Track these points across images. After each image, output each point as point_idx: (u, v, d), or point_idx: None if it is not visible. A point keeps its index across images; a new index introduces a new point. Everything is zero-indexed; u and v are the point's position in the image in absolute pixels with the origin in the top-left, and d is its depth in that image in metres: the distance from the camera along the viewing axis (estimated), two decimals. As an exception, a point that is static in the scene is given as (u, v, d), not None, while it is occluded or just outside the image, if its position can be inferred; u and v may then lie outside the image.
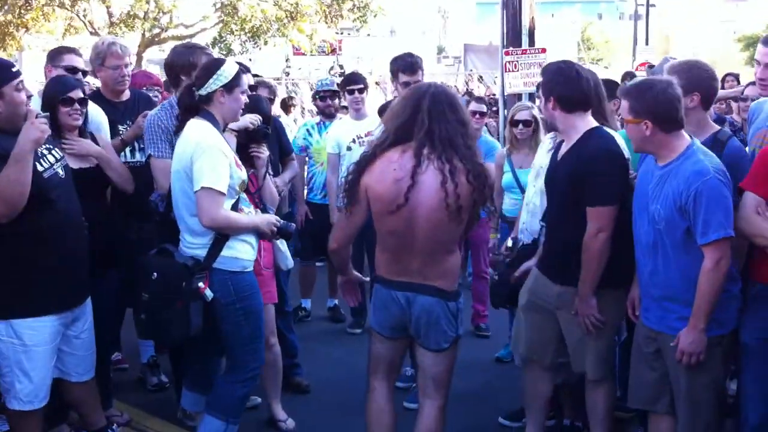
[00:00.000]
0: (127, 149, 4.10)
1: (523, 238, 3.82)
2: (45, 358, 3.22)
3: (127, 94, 4.22)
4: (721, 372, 3.05)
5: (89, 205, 3.45)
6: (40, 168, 3.16)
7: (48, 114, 3.28)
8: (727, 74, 8.31)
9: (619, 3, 53.55)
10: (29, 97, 3.31)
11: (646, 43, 24.39)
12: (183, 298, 3.11)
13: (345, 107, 5.97)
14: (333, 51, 22.10)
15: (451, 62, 29.40)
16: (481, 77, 17.95)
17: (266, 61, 19.34)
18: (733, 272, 2.91)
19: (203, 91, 3.21)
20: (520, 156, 4.72)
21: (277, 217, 3.43)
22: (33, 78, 8.23)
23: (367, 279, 3.39)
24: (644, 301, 3.11)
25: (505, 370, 4.84)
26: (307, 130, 5.83)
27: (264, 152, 3.67)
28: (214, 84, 3.20)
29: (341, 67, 19.23)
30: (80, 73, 4.01)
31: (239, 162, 3.30)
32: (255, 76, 5.28)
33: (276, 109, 7.26)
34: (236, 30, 17.47)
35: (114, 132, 4.04)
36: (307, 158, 5.79)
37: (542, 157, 3.75)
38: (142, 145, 4.02)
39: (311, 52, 19.57)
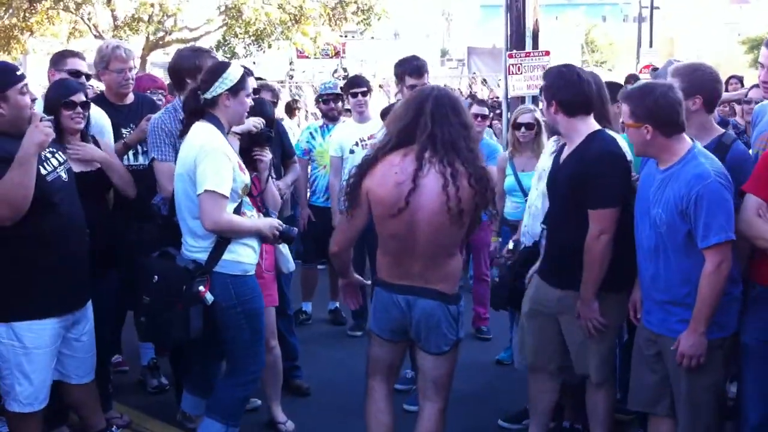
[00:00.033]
0: (130, 152, 4.11)
1: (524, 241, 3.83)
2: (45, 360, 3.23)
3: (131, 98, 4.23)
4: (722, 375, 3.05)
5: (90, 206, 3.46)
6: (43, 171, 3.17)
7: (52, 117, 3.29)
8: (731, 77, 8.31)
9: (623, 5, 53.48)
10: (33, 100, 3.31)
11: (650, 46, 24.33)
12: (183, 302, 3.12)
13: (348, 110, 5.98)
14: (337, 54, 22.13)
15: (454, 65, 29.42)
16: (484, 80, 17.97)
17: (270, 64, 19.41)
18: (734, 275, 2.91)
19: (208, 95, 3.22)
20: (522, 159, 4.72)
21: (280, 221, 3.43)
22: (37, 82, 8.24)
23: (368, 282, 3.39)
24: (646, 304, 3.11)
25: (505, 372, 4.84)
26: (311, 133, 5.84)
27: (267, 155, 3.68)
28: (219, 87, 3.21)
29: (345, 70, 19.25)
30: (83, 76, 4.01)
31: (243, 165, 3.30)
32: (258, 79, 5.30)
33: (279, 112, 7.27)
34: (240, 33, 17.52)
35: (117, 135, 4.05)
36: (310, 161, 5.81)
37: (545, 161, 3.76)
38: (145, 149, 4.03)
39: (315, 55, 19.60)
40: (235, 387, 3.36)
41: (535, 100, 7.23)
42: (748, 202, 2.89)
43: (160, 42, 17.95)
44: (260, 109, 3.75)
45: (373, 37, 24.06)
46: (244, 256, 3.26)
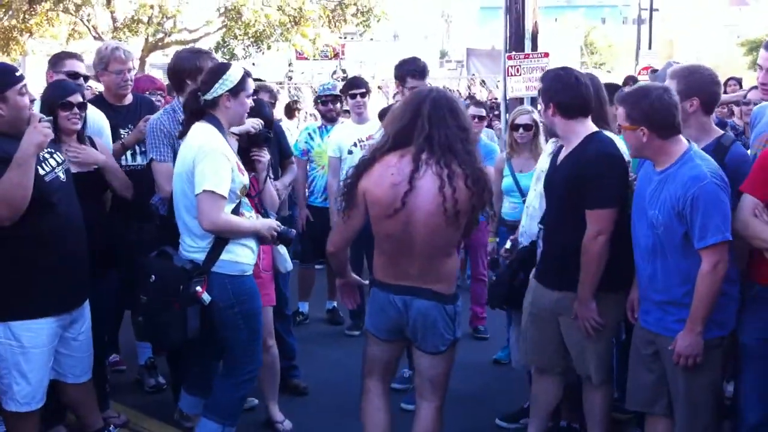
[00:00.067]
0: (128, 152, 4.11)
1: (522, 241, 3.84)
2: (43, 359, 3.23)
3: (129, 99, 4.23)
4: (719, 374, 3.06)
5: (89, 206, 3.47)
6: (41, 172, 3.17)
7: (51, 118, 3.29)
8: (730, 78, 8.33)
9: (622, 7, 53.54)
10: (32, 101, 3.32)
11: (650, 48, 24.35)
12: (180, 301, 3.13)
13: (347, 111, 6.00)
14: (336, 55, 22.17)
15: (453, 66, 29.46)
16: (483, 81, 18.00)
17: (269, 66, 19.44)
18: (732, 274, 2.92)
19: (209, 96, 3.23)
20: (520, 160, 4.73)
21: (278, 223, 3.44)
22: (36, 83, 8.26)
23: (366, 282, 3.40)
24: (643, 304, 3.12)
25: (503, 372, 4.84)
26: (309, 133, 5.85)
27: (265, 156, 3.68)
28: (220, 88, 3.21)
29: (344, 71, 19.29)
30: (81, 78, 4.01)
31: (241, 166, 3.31)
32: (257, 80, 5.31)
33: (277, 113, 7.28)
34: (240, 35, 17.53)
35: (116, 136, 4.06)
36: (308, 162, 5.82)
37: (544, 162, 3.76)
38: (143, 149, 4.04)
39: (314, 56, 19.63)
40: (232, 386, 3.36)
41: (534, 101, 7.25)
42: (744, 202, 2.90)
43: (160, 43, 17.97)
44: (259, 110, 3.76)
45: (372, 39, 24.09)
46: (242, 256, 3.27)
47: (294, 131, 7.20)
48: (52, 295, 3.22)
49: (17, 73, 3.17)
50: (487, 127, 7.28)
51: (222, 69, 3.28)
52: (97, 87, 5.74)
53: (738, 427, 3.08)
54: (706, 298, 2.84)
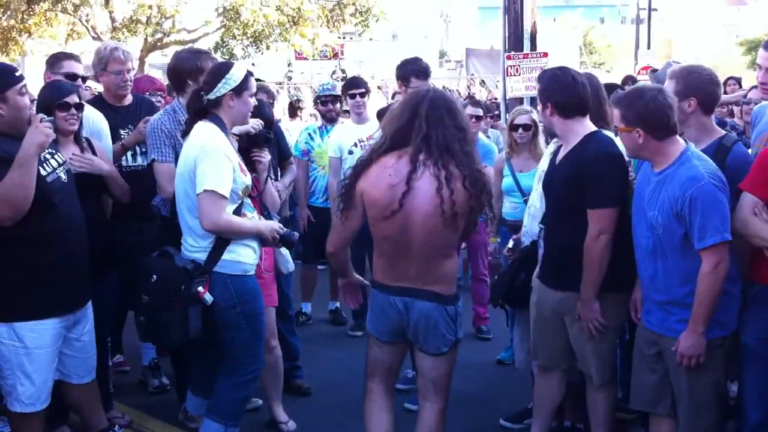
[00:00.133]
0: (129, 153, 4.11)
1: (524, 241, 3.84)
2: (47, 360, 3.23)
3: (129, 99, 4.23)
4: (723, 373, 3.06)
5: (89, 206, 3.47)
6: (43, 172, 3.17)
7: (52, 118, 3.28)
8: (729, 78, 8.35)
9: (621, 7, 53.53)
10: (32, 101, 3.31)
11: (648, 48, 24.38)
12: (182, 301, 3.12)
13: (347, 111, 5.99)
14: (335, 55, 22.18)
15: (453, 66, 29.50)
16: (482, 81, 18.03)
17: (268, 66, 19.43)
18: (733, 274, 2.92)
19: (212, 95, 3.22)
20: (520, 160, 4.74)
21: (281, 225, 3.43)
22: (35, 83, 8.25)
23: (368, 282, 3.40)
24: (645, 304, 3.11)
25: (506, 372, 4.84)
26: (309, 134, 5.85)
27: (265, 156, 3.68)
28: (223, 88, 3.21)
29: (343, 71, 19.30)
30: (80, 79, 4.00)
31: (244, 167, 3.30)
32: (256, 80, 5.30)
33: (276, 114, 7.28)
34: (238, 35, 17.55)
35: (115, 136, 4.05)
36: (309, 162, 5.82)
37: (546, 162, 3.77)
38: (143, 149, 4.04)
39: (313, 56, 19.65)
40: (234, 387, 3.35)
41: (533, 101, 7.26)
42: (744, 201, 2.90)
43: (159, 44, 17.97)
44: (259, 110, 3.75)
45: (371, 39, 24.09)
46: (244, 255, 3.26)
47: (294, 132, 7.19)
48: (55, 295, 3.22)
49: (17, 73, 3.16)
50: (492, 128, 7.30)
51: (225, 68, 3.28)
52: (96, 87, 5.72)
53: (741, 426, 3.08)
54: (707, 299, 2.84)
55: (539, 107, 3.40)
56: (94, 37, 17.01)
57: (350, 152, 5.23)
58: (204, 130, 3.21)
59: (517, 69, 8.22)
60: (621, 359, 3.58)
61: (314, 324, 5.94)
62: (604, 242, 3.12)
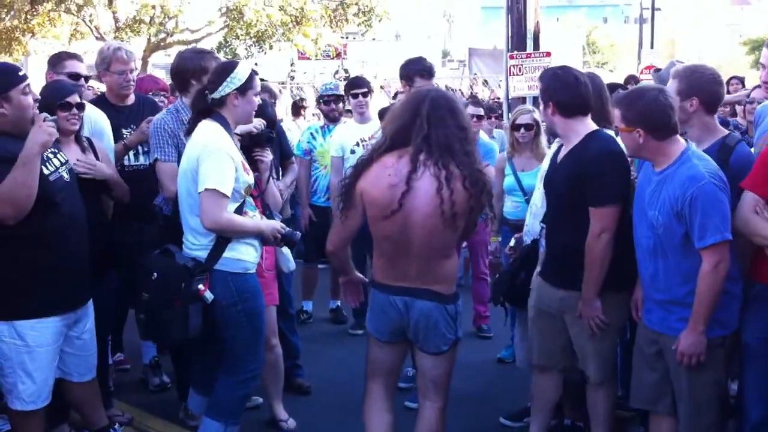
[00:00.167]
0: (131, 153, 4.12)
1: (526, 239, 3.85)
2: (48, 358, 3.24)
3: (132, 99, 4.24)
4: (723, 372, 3.06)
5: (90, 205, 3.47)
6: (45, 171, 3.18)
7: (55, 117, 3.30)
8: (732, 77, 8.36)
9: (624, 7, 53.53)
10: (36, 100, 3.33)
11: (651, 47, 24.36)
12: (182, 299, 3.13)
13: (349, 111, 6.00)
14: (338, 55, 22.15)
15: (456, 66, 29.47)
16: (485, 81, 18.01)
17: (271, 66, 19.43)
18: (734, 273, 2.92)
19: (217, 95, 3.23)
20: (521, 159, 4.74)
21: (283, 224, 3.43)
22: (39, 83, 8.27)
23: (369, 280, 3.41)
24: (646, 303, 3.12)
25: (506, 370, 4.85)
26: (311, 133, 5.87)
27: (268, 156, 3.69)
28: (227, 87, 3.21)
29: (346, 71, 19.27)
30: (82, 78, 4.00)
31: (247, 166, 3.31)
32: (260, 80, 5.32)
33: (277, 113, 7.29)
34: (242, 35, 17.56)
35: (118, 136, 4.07)
36: (311, 161, 5.83)
37: (548, 162, 3.78)
38: (145, 149, 4.05)
39: (316, 56, 19.63)
40: (234, 385, 3.36)
41: (536, 101, 7.25)
42: (745, 199, 2.90)
43: (162, 44, 17.98)
44: (261, 110, 3.76)
45: (374, 39, 24.08)
46: (245, 254, 3.27)
47: (295, 131, 7.20)
48: (56, 294, 3.22)
49: (20, 73, 3.17)
50: (496, 128, 7.31)
51: (229, 67, 3.28)
52: (99, 87, 5.74)
53: (741, 425, 3.08)
54: (707, 298, 2.84)
55: (541, 106, 3.41)
56: (97, 37, 17.03)
57: (352, 152, 5.24)
58: (207, 128, 3.22)
59: (520, 69, 8.22)
60: (621, 358, 3.59)
61: (315, 323, 5.95)
62: (605, 241, 3.12)
